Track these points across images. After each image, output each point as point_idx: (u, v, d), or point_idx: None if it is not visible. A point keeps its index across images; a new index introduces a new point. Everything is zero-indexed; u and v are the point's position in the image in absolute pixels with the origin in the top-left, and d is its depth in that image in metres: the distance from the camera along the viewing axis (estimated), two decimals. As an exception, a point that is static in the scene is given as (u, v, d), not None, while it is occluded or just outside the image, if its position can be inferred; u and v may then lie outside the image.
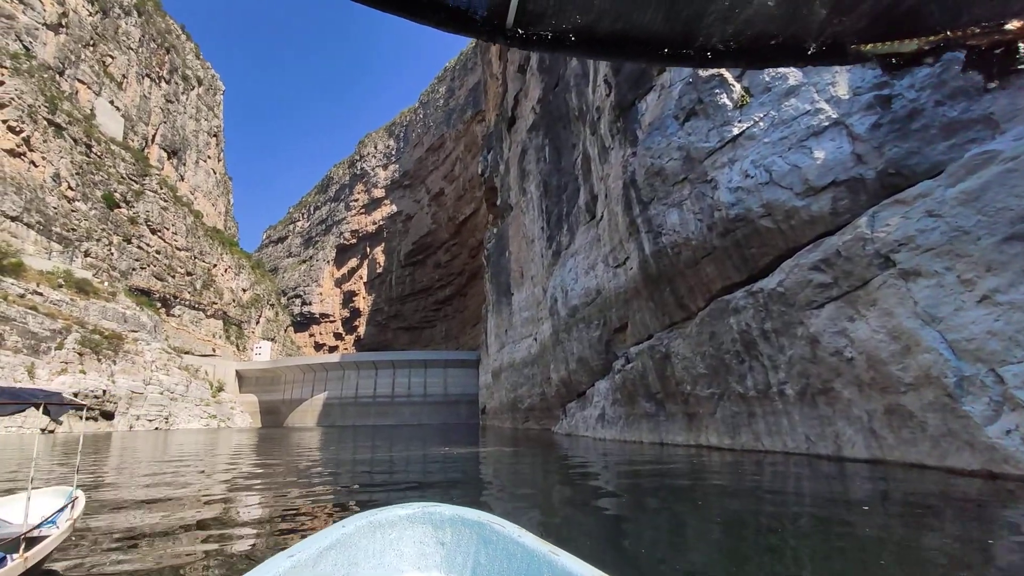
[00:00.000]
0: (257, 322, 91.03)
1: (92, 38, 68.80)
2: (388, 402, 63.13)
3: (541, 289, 24.71)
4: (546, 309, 23.13)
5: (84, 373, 41.83)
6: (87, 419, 40.41)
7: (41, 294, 43.65)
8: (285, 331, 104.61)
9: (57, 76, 61.95)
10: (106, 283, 55.81)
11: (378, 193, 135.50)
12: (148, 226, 68.45)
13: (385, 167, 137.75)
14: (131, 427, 44.48)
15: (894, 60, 1.48)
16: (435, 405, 62.01)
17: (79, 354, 42.50)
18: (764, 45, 1.45)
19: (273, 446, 17.89)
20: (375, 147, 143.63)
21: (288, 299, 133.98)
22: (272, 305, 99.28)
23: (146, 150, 77.11)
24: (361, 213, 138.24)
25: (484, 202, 43.42)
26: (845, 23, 1.41)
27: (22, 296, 41.18)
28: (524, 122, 27.37)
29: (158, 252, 69.36)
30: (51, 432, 36.43)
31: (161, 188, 73.23)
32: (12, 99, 51.80)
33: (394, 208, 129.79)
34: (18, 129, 51.97)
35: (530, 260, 27.10)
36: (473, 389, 59.59)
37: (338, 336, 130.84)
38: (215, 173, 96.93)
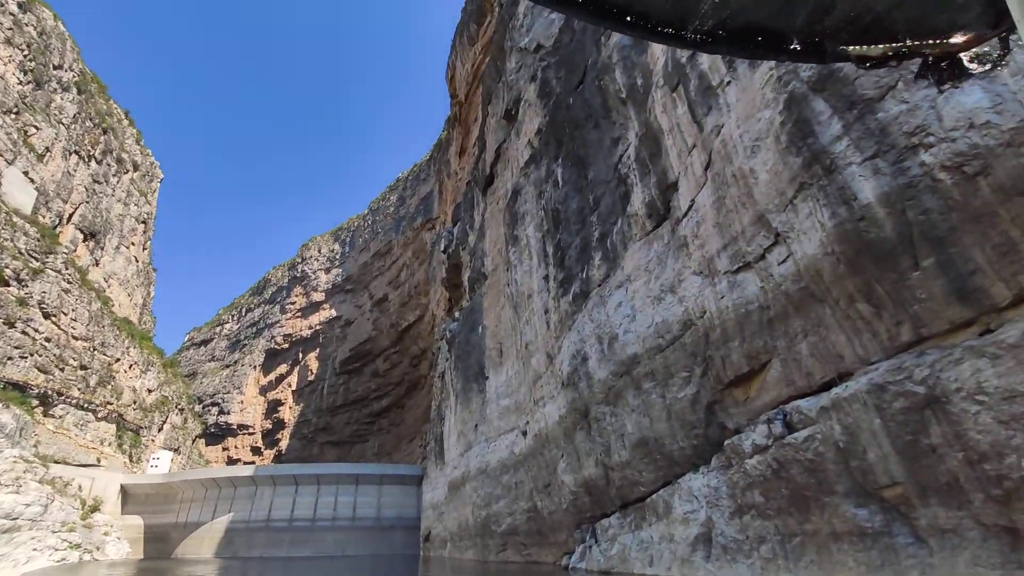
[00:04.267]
0: (160, 429, 78.28)
1: (17, 106, 63.65)
2: (308, 527, 51.98)
3: (544, 356, 18.76)
4: (553, 382, 17.16)
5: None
6: None
7: None
8: (193, 442, 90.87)
9: (-36, 138, 55.50)
10: (-34, 370, 45.55)
11: (318, 297, 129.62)
12: (41, 309, 58.91)
13: (327, 271, 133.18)
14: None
15: (866, 63, 1.68)
16: (365, 531, 51.34)
17: None
18: (751, 36, 1.55)
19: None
20: (319, 250, 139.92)
21: (204, 407, 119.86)
22: (181, 410, 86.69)
23: (59, 228, 69.32)
24: (297, 316, 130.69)
25: (446, 285, 38.69)
26: (824, 24, 1.54)
27: None
28: (513, 166, 23.88)
29: (47, 339, 59.22)
30: None
31: (66, 269, 64.66)
32: None
33: (333, 312, 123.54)
34: None
35: (522, 325, 21.45)
36: (412, 511, 50.48)
37: (256, 451, 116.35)
38: (137, 261, 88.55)
